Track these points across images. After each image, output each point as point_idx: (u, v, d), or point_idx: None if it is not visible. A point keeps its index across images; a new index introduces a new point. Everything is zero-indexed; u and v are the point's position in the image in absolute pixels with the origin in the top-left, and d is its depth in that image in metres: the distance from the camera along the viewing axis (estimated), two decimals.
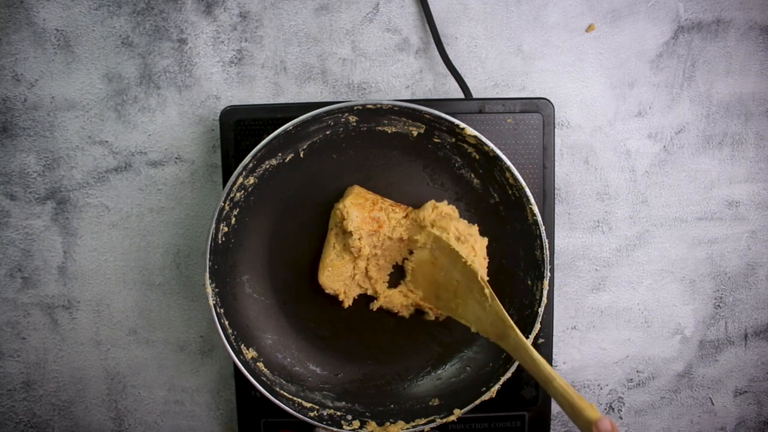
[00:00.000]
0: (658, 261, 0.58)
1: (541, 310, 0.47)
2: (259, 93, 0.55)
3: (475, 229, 0.49)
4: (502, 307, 0.44)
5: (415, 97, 0.56)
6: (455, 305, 0.48)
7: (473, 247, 0.49)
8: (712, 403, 0.60)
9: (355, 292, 0.51)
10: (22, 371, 0.58)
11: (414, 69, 0.56)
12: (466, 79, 0.54)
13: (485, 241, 0.49)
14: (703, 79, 0.56)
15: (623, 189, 0.57)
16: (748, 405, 0.60)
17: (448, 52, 0.54)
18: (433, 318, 0.52)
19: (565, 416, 0.59)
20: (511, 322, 0.44)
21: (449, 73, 0.53)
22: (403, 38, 0.55)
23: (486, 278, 0.47)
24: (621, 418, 0.59)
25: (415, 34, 0.55)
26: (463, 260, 0.46)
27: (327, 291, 0.50)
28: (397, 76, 0.56)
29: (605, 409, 0.59)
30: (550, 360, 0.53)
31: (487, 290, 0.45)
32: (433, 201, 0.50)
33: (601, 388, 0.59)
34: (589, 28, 0.55)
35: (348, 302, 0.51)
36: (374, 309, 0.51)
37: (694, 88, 0.56)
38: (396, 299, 0.51)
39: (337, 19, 0.55)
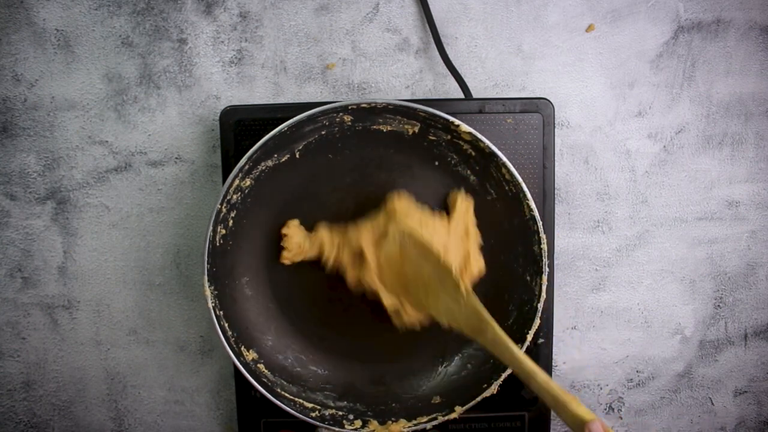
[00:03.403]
0: (658, 261, 0.58)
1: (540, 306, 0.47)
2: (259, 93, 0.55)
3: (437, 218, 0.49)
4: (479, 302, 0.42)
5: (415, 97, 0.56)
6: (425, 299, 0.46)
7: (445, 238, 0.48)
8: (712, 403, 0.60)
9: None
10: (22, 371, 0.58)
11: (414, 69, 0.56)
12: (466, 79, 0.54)
13: (466, 220, 0.49)
14: (703, 79, 0.56)
15: (623, 189, 0.57)
16: (748, 405, 0.60)
17: (448, 52, 0.54)
18: (402, 320, 0.50)
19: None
20: (489, 317, 0.42)
21: (449, 73, 0.53)
22: (403, 38, 0.55)
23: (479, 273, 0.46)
24: (621, 418, 0.60)
25: (415, 34, 0.55)
26: (436, 255, 0.44)
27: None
28: (397, 76, 0.56)
29: (605, 409, 0.59)
30: (550, 360, 0.53)
31: (462, 286, 0.43)
32: (396, 191, 0.49)
33: (601, 388, 0.59)
34: (589, 28, 0.55)
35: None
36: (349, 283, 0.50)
37: (694, 88, 0.56)
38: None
39: (337, 19, 0.55)
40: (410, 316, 0.49)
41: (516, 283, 0.49)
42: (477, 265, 0.49)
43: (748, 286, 0.58)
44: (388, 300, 0.49)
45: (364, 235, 0.49)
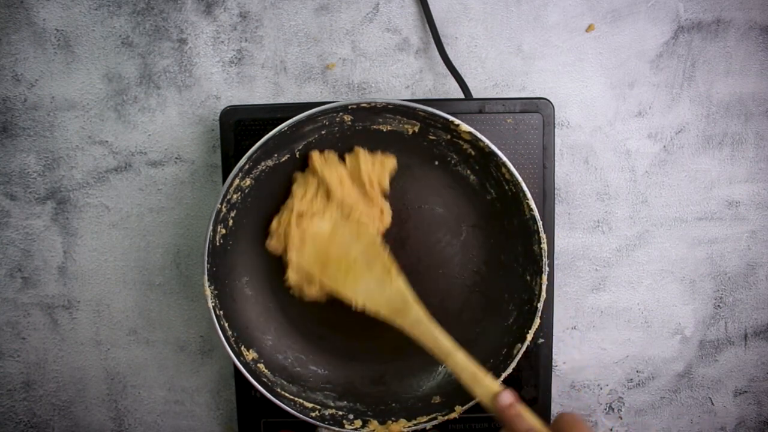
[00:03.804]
0: (658, 261, 0.58)
1: (540, 305, 0.47)
2: (259, 93, 0.55)
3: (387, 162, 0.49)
4: (405, 283, 0.46)
5: (415, 97, 0.56)
6: (343, 279, 0.48)
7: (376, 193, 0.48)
8: (712, 403, 0.60)
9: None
10: (22, 371, 0.58)
11: (414, 69, 0.56)
12: (466, 79, 0.54)
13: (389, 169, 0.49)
14: (703, 79, 0.56)
15: (623, 189, 0.57)
16: (748, 405, 0.60)
17: (448, 52, 0.54)
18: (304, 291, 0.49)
19: None
20: (413, 298, 0.45)
21: (449, 73, 0.53)
22: (403, 38, 0.55)
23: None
24: (621, 418, 0.60)
25: (415, 34, 0.55)
26: (371, 239, 0.47)
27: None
28: (397, 76, 0.56)
29: (605, 409, 0.59)
30: (550, 360, 0.53)
31: (394, 270, 0.46)
32: (314, 152, 0.49)
33: (601, 388, 0.59)
34: (589, 28, 0.55)
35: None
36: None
37: (694, 88, 0.56)
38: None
39: (337, 19, 0.55)
40: (314, 291, 0.49)
41: (516, 283, 0.49)
42: (387, 217, 0.50)
43: (748, 286, 0.58)
44: (293, 274, 0.48)
45: (297, 204, 0.48)
